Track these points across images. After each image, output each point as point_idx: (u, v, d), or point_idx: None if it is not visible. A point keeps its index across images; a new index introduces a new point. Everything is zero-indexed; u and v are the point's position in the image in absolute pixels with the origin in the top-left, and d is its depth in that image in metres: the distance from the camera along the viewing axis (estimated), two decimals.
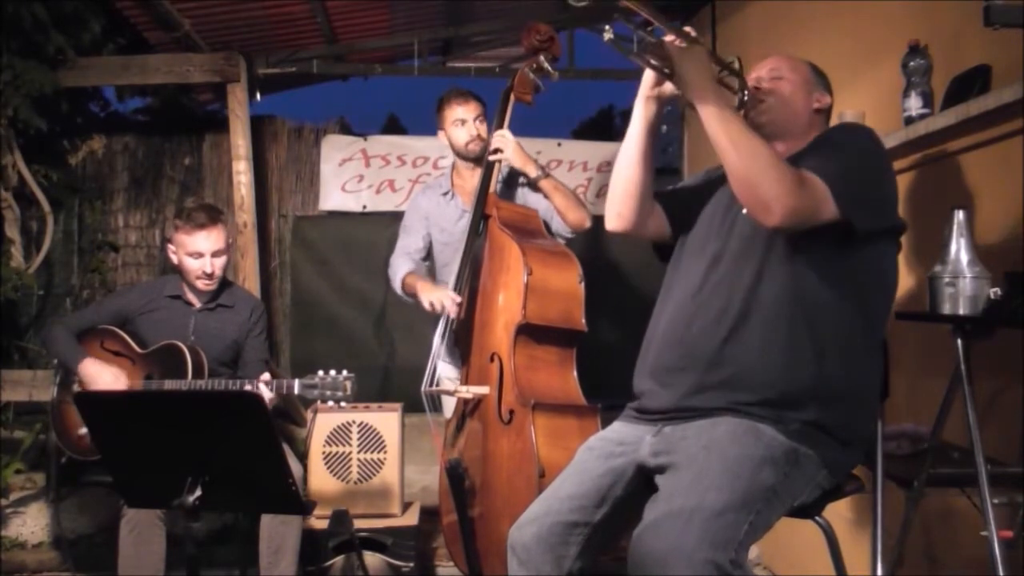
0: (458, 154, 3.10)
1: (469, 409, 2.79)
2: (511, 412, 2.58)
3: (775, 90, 1.85)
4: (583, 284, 2.73)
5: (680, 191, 2.02)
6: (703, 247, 1.83)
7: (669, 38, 1.68)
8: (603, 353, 3.24)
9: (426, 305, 2.89)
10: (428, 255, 3.20)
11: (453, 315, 2.82)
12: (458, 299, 2.81)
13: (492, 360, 2.68)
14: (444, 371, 3.05)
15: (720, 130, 1.62)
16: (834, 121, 2.61)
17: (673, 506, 1.50)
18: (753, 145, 1.61)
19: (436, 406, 3.00)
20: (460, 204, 3.10)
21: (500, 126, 2.95)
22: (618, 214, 1.90)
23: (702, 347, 1.70)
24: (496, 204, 2.88)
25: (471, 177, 3.06)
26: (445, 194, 3.16)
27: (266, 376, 2.69)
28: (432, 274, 3.19)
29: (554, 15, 4.62)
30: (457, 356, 3.00)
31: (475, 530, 2.64)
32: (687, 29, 1.71)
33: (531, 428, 2.49)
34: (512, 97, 2.93)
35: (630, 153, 1.85)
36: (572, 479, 1.77)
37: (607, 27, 1.60)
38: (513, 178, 3.12)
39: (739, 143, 1.61)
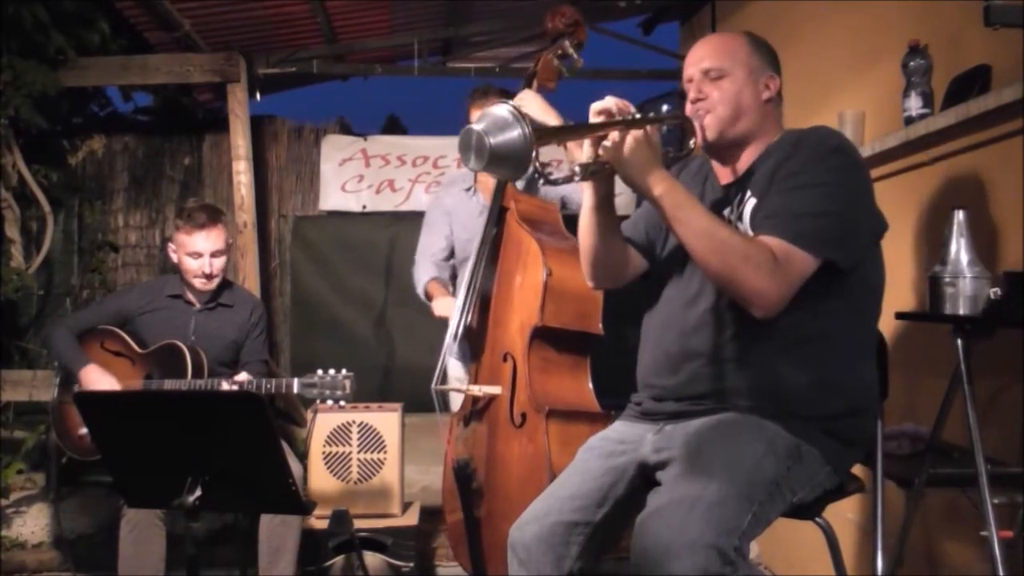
0: None
1: (478, 408, 2.73)
2: (523, 415, 2.51)
3: (717, 96, 1.70)
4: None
5: (648, 224, 1.89)
6: (683, 275, 1.77)
7: (593, 141, 1.54)
8: (611, 354, 3.18)
9: (436, 313, 2.97)
10: (452, 254, 3.17)
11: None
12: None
13: (505, 360, 2.60)
14: (452, 368, 3.02)
15: (680, 229, 1.54)
16: (832, 117, 2.63)
17: (676, 494, 1.49)
18: (716, 239, 1.51)
19: (445, 405, 2.97)
20: (481, 200, 3.05)
21: None
22: (594, 276, 1.84)
23: (698, 381, 1.69)
24: (514, 197, 2.78)
25: None
26: (467, 189, 3.13)
27: (241, 376, 2.70)
28: (454, 270, 3.17)
29: None
30: (466, 353, 2.95)
31: (480, 531, 2.60)
32: (608, 110, 1.53)
33: (545, 435, 2.41)
34: (534, 84, 2.81)
35: (589, 228, 1.75)
36: (573, 479, 1.76)
37: (544, 172, 1.45)
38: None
39: (701, 239, 1.52)
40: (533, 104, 2.81)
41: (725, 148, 1.75)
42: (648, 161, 1.51)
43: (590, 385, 2.63)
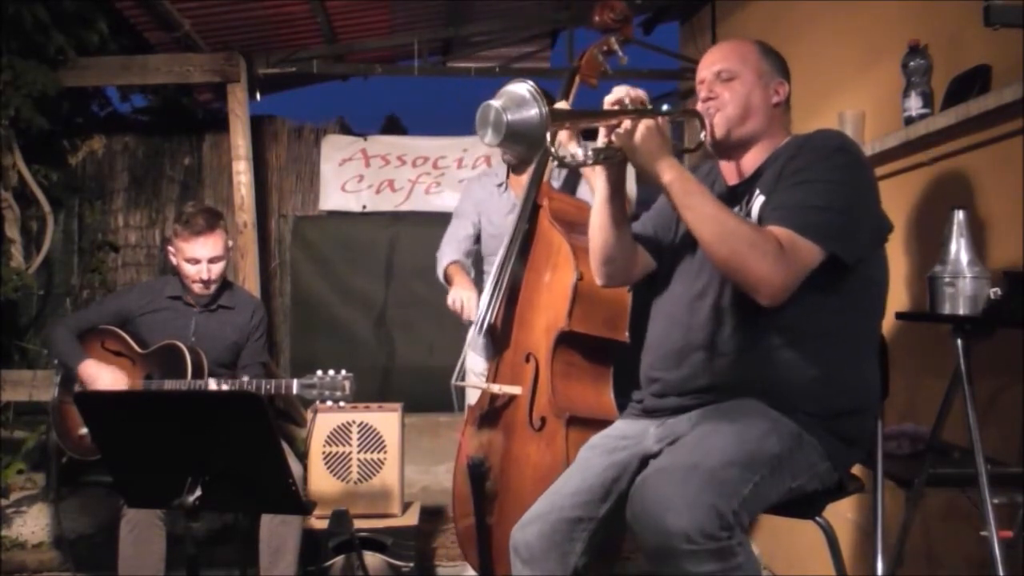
0: None
1: (496, 406, 2.68)
2: (543, 420, 2.46)
3: (728, 96, 1.74)
4: (632, 291, 2.50)
5: (656, 225, 1.92)
6: (689, 273, 1.79)
7: (607, 128, 1.58)
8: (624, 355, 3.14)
9: (448, 300, 2.86)
10: (477, 240, 3.11)
11: (465, 319, 2.76)
12: (472, 316, 2.74)
13: (528, 360, 2.54)
14: (471, 362, 2.99)
15: (689, 216, 1.56)
16: (832, 117, 2.62)
17: (678, 459, 1.51)
18: (724, 225, 1.54)
19: (462, 403, 2.92)
20: (512, 198, 2.99)
21: None
22: (606, 274, 1.85)
23: (701, 375, 1.70)
24: (548, 194, 2.70)
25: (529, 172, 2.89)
26: (499, 185, 3.06)
27: (244, 378, 2.70)
28: (479, 263, 3.12)
29: (554, 14, 4.64)
30: (489, 348, 2.86)
31: (491, 533, 2.56)
32: (620, 100, 1.57)
33: (564, 441, 2.36)
34: (577, 79, 2.74)
35: (602, 221, 1.76)
36: (575, 477, 1.77)
37: (552, 160, 1.50)
38: (575, 174, 2.97)
39: (709, 224, 1.54)
40: None
41: (732, 148, 1.78)
42: (659, 148, 1.56)
43: (611, 394, 2.57)
